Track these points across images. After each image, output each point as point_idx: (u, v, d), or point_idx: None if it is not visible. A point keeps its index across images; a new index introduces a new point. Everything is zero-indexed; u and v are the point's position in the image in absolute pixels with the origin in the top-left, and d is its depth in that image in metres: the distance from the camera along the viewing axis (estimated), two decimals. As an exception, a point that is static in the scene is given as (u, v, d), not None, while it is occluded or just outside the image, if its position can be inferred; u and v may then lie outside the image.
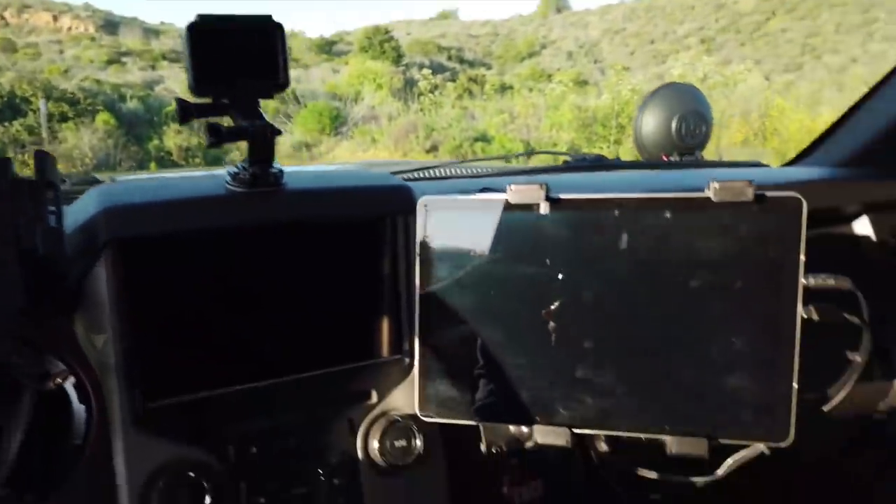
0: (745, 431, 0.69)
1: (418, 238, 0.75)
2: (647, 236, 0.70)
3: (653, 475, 0.81)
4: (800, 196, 0.67)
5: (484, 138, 14.98)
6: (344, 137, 16.14)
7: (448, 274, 0.75)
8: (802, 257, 0.67)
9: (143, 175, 1.09)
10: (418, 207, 0.74)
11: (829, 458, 1.36)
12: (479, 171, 1.52)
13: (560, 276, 0.72)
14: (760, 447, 0.76)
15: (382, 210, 0.80)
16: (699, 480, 0.81)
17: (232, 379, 0.75)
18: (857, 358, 0.77)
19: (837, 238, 1.27)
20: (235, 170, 0.74)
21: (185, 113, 0.71)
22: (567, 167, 1.55)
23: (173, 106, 0.75)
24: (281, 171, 0.75)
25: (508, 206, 0.73)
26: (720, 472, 0.79)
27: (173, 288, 0.73)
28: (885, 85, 1.32)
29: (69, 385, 0.68)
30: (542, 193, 0.71)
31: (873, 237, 1.26)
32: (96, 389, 0.69)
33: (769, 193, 0.67)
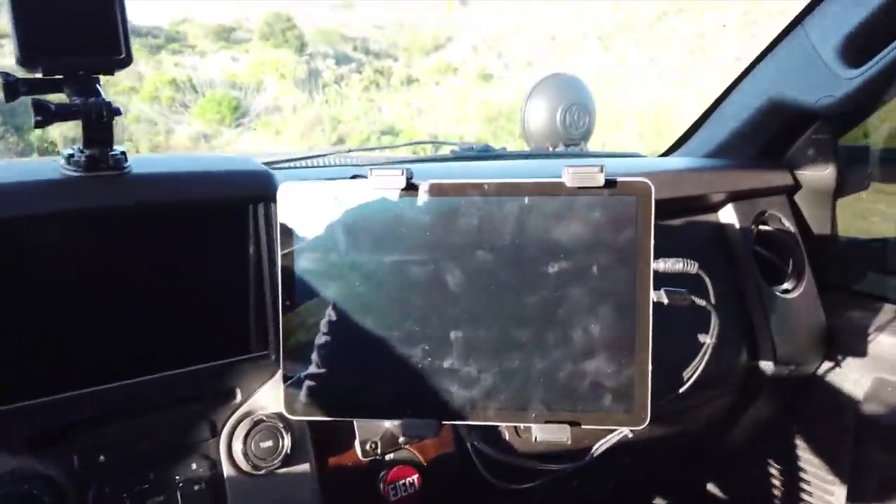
0: (605, 416, 0.70)
1: (278, 226, 0.72)
2: (507, 222, 0.70)
3: (525, 464, 0.82)
4: (648, 181, 0.68)
5: (392, 131, 14.91)
6: (246, 129, 15.60)
7: (310, 264, 0.72)
8: (652, 241, 0.68)
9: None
10: (278, 193, 0.71)
11: (687, 440, 1.43)
12: (361, 161, 1.50)
13: (423, 265, 0.71)
14: (625, 431, 0.78)
15: (238, 195, 0.76)
16: (569, 467, 0.82)
17: (77, 382, 0.69)
18: (708, 340, 0.80)
19: (705, 226, 1.34)
20: (71, 153, 0.68)
21: (11, 89, 0.65)
22: (455, 157, 1.55)
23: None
24: (124, 154, 0.70)
25: (369, 192, 0.71)
26: (587, 458, 0.81)
27: (7, 281, 0.66)
28: (745, 78, 1.39)
29: None
30: (403, 179, 0.69)
31: (737, 224, 1.32)
32: None
33: (620, 179, 0.69)
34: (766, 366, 1.29)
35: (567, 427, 0.70)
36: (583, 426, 0.70)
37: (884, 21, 1.07)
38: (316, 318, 0.73)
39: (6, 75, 0.65)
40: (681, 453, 1.50)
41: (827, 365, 1.38)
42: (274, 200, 0.72)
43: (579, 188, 0.69)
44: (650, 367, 0.69)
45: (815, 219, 1.43)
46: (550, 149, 1.74)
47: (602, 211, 0.69)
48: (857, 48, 1.11)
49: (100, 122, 0.65)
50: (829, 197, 1.43)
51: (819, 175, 1.39)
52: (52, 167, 0.69)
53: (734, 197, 1.33)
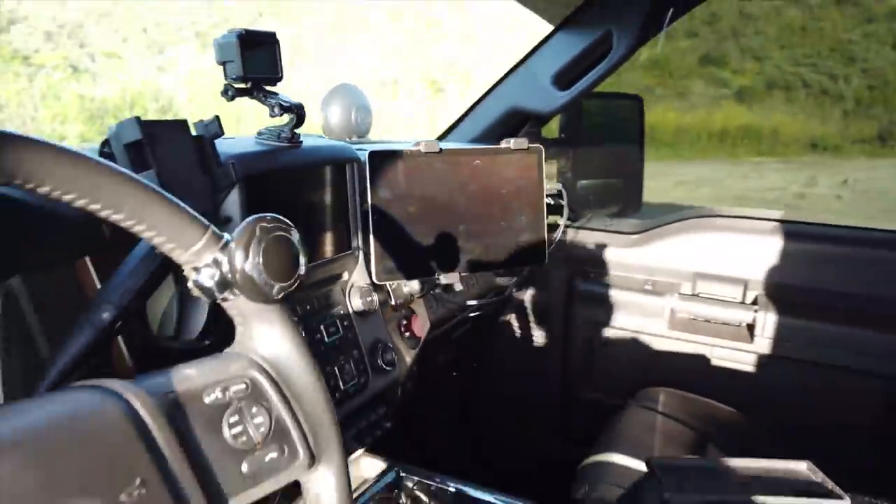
0: (526, 260, 1.42)
1: (368, 174, 1.24)
2: (479, 170, 1.36)
3: (472, 301, 1.49)
4: (541, 146, 1.41)
5: (-37, 128, 12.61)
6: None
7: (385, 195, 1.27)
8: (545, 178, 1.42)
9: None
10: (368, 156, 1.24)
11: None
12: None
13: (441, 192, 1.32)
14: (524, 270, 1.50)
15: (348, 158, 1.26)
16: (496, 300, 1.52)
17: None
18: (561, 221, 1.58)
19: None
20: (274, 132, 1.12)
21: (236, 94, 1.07)
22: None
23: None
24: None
25: (419, 154, 1.28)
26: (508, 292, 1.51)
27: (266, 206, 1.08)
28: (496, 88, 2.20)
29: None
30: (438, 146, 1.29)
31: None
32: None
33: (530, 145, 1.40)
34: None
35: (512, 268, 1.39)
36: (516, 268, 1.41)
37: (579, 62, 1.96)
38: (389, 225, 1.28)
39: (231, 87, 1.06)
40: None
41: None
42: (355, 161, 1.26)
43: (513, 150, 1.38)
44: (546, 234, 1.43)
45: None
46: (348, 140, 2.33)
47: (523, 162, 1.39)
48: (564, 77, 1.99)
49: (303, 113, 1.10)
50: (532, 165, 2.34)
51: (530, 152, 2.28)
52: (249, 141, 1.12)
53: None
